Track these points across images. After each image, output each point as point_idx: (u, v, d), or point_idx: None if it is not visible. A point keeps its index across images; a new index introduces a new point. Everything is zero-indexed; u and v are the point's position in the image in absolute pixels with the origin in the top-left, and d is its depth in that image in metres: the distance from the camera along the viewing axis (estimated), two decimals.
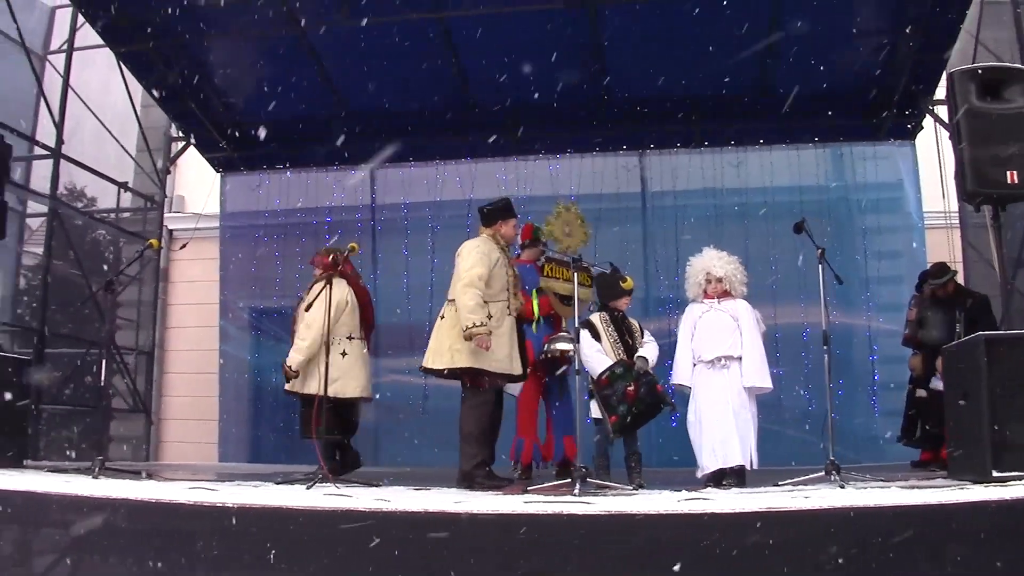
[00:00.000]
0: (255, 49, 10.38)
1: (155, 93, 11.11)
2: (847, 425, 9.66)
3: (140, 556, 4.70)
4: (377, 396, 10.93)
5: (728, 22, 9.15)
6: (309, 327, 7.25)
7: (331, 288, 7.01)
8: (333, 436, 7.32)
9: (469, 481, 6.43)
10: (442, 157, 11.39)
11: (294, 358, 7.37)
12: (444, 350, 6.57)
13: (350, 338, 7.41)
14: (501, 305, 6.58)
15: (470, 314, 6.34)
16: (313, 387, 7.28)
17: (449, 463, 9.21)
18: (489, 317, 6.43)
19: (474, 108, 10.91)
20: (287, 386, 7.56)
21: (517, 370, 6.65)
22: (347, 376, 7.26)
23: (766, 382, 6.31)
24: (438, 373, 6.72)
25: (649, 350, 6.66)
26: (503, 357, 6.54)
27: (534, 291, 7.63)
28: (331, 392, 7.12)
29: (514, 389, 7.25)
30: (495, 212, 6.95)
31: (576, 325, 6.19)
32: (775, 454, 8.25)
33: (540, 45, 9.67)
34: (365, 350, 7.57)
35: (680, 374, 6.56)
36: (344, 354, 7.28)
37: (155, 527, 4.75)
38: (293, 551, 4.47)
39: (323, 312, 7.13)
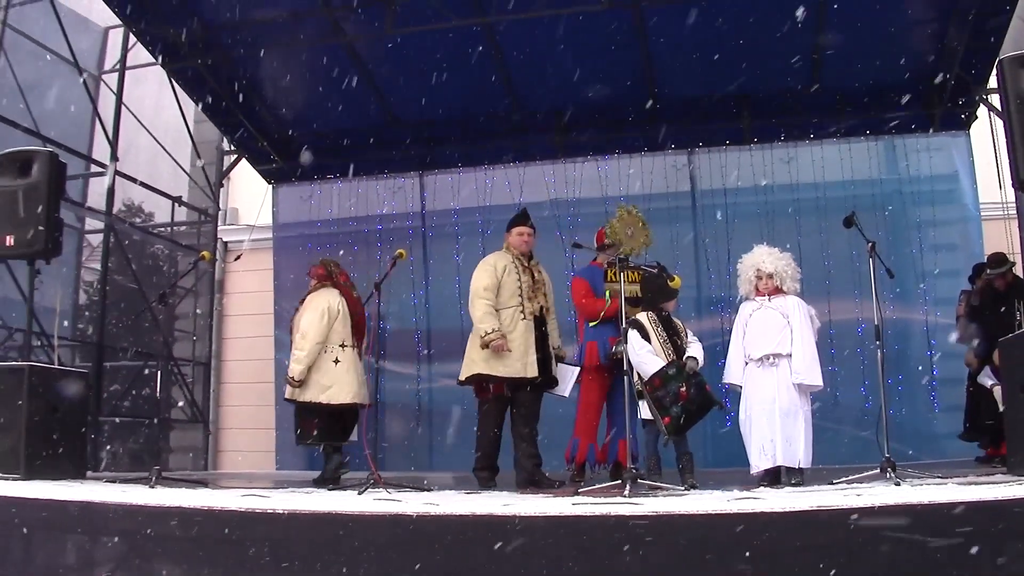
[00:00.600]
0: (303, 62, 10.49)
1: (206, 108, 11.28)
2: (906, 422, 9.52)
3: (194, 563, 4.75)
4: (426, 401, 11.13)
5: (774, 16, 9.07)
6: (304, 336, 7.56)
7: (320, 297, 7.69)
8: (317, 440, 7.75)
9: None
10: (490, 162, 11.39)
11: (294, 368, 7.56)
12: (466, 362, 7.14)
13: (343, 346, 7.68)
14: (511, 311, 7.04)
15: (480, 324, 6.93)
16: (309, 395, 7.54)
17: (502, 467, 9.24)
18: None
19: (521, 112, 10.94)
20: (287, 395, 7.73)
21: (531, 373, 6.96)
22: (340, 383, 7.57)
23: (816, 379, 6.20)
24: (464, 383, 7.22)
25: (696, 350, 6.60)
26: (513, 361, 6.93)
27: (607, 293, 7.62)
28: (324, 399, 7.52)
29: (562, 391, 7.33)
30: (507, 224, 7.56)
31: (624, 326, 6.15)
32: (833, 453, 8.16)
33: (585, 46, 9.67)
34: (358, 358, 7.84)
35: (732, 373, 6.51)
36: (337, 361, 7.59)
37: (208, 534, 4.80)
38: (343, 555, 4.49)
39: (316, 320, 7.54)
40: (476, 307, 6.97)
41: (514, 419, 7.17)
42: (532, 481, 6.91)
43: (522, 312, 7.04)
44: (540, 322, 7.14)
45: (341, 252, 11.70)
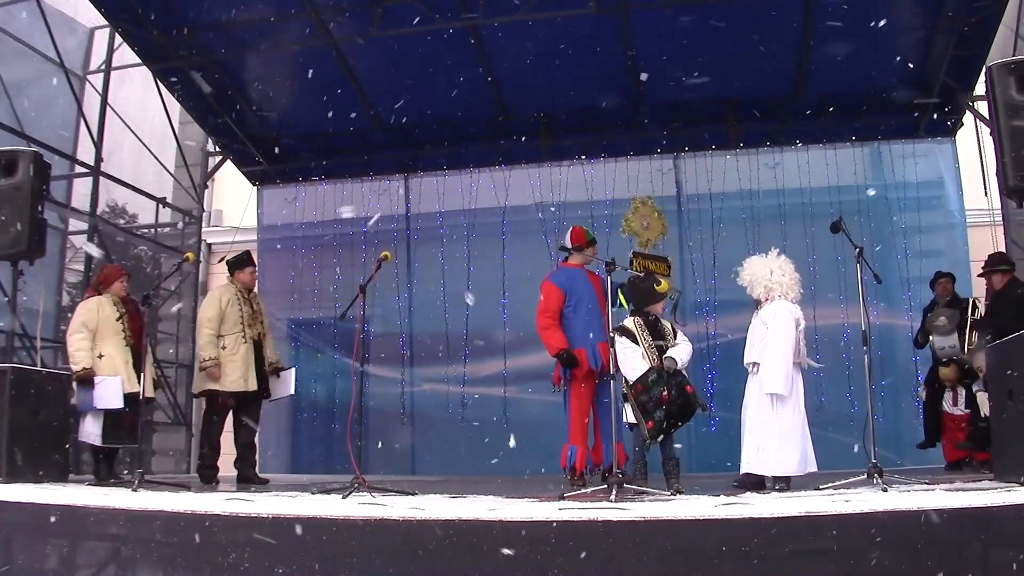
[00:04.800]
0: (289, 63, 10.46)
1: (191, 109, 11.22)
2: (890, 427, 9.52)
3: (177, 568, 4.71)
4: (410, 405, 11.16)
5: (762, 22, 9.08)
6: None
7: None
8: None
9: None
10: (476, 165, 11.38)
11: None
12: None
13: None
14: (234, 336, 8.20)
15: (200, 351, 8.18)
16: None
17: (487, 472, 9.22)
18: (224, 348, 8.13)
19: (507, 115, 10.93)
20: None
21: (252, 387, 8.22)
22: None
23: (775, 387, 6.19)
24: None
25: (680, 350, 6.49)
26: (237, 379, 8.13)
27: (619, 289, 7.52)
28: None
29: (287, 391, 8.69)
30: (231, 264, 8.60)
31: (610, 331, 6.12)
32: (818, 458, 8.15)
33: (572, 50, 9.65)
34: None
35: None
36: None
37: (192, 539, 4.75)
38: (328, 560, 4.46)
39: None
40: (199, 335, 8.23)
41: (241, 425, 8.43)
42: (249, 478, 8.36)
43: (243, 337, 8.22)
44: (259, 345, 8.38)
45: (326, 254, 11.71)
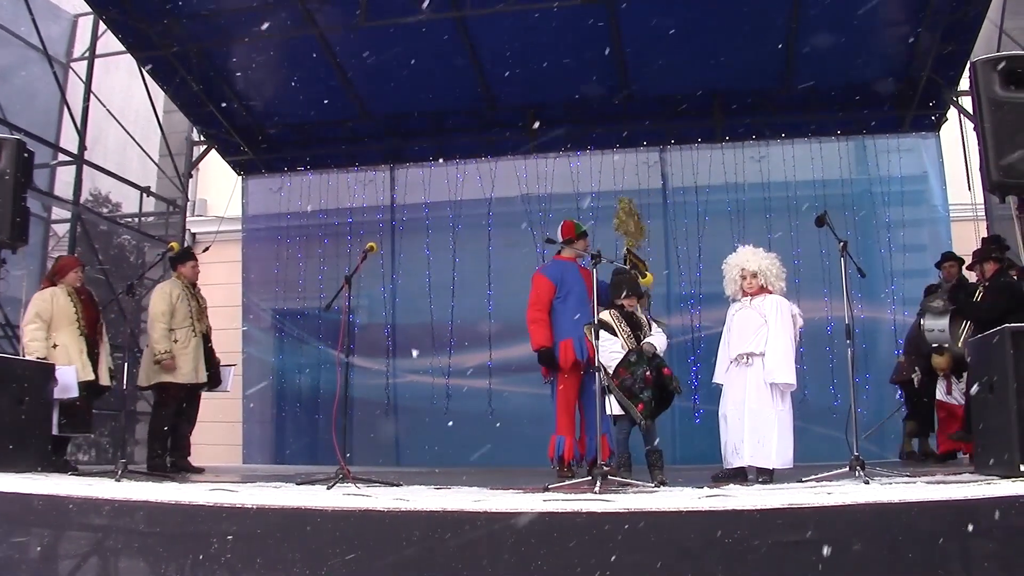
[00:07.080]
0: (275, 53, 10.41)
1: (176, 98, 11.16)
2: (873, 420, 9.56)
3: (160, 558, 4.69)
4: (394, 396, 11.15)
5: (748, 15, 9.09)
6: None
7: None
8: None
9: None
10: (462, 156, 11.37)
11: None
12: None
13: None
14: (185, 330, 8.43)
15: (155, 344, 8.29)
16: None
17: (472, 463, 9.21)
18: (175, 341, 8.32)
19: (494, 106, 10.92)
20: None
21: (202, 379, 8.53)
22: None
23: (787, 377, 6.19)
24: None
25: (657, 339, 6.55)
26: (189, 371, 8.37)
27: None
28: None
29: (224, 387, 9.07)
30: (173, 259, 8.74)
31: (586, 324, 6.14)
32: (801, 450, 8.18)
33: (559, 42, 9.66)
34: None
35: (717, 372, 6.62)
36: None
37: (176, 529, 4.74)
38: (312, 551, 4.45)
39: None
40: (154, 329, 8.34)
41: (185, 416, 8.66)
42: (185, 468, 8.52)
43: (193, 331, 8.47)
44: (206, 339, 8.67)
45: (311, 245, 11.69)
